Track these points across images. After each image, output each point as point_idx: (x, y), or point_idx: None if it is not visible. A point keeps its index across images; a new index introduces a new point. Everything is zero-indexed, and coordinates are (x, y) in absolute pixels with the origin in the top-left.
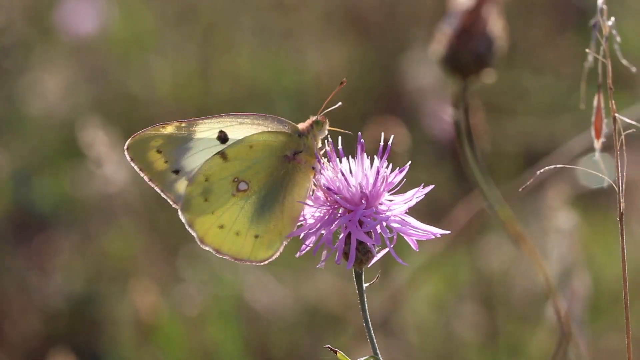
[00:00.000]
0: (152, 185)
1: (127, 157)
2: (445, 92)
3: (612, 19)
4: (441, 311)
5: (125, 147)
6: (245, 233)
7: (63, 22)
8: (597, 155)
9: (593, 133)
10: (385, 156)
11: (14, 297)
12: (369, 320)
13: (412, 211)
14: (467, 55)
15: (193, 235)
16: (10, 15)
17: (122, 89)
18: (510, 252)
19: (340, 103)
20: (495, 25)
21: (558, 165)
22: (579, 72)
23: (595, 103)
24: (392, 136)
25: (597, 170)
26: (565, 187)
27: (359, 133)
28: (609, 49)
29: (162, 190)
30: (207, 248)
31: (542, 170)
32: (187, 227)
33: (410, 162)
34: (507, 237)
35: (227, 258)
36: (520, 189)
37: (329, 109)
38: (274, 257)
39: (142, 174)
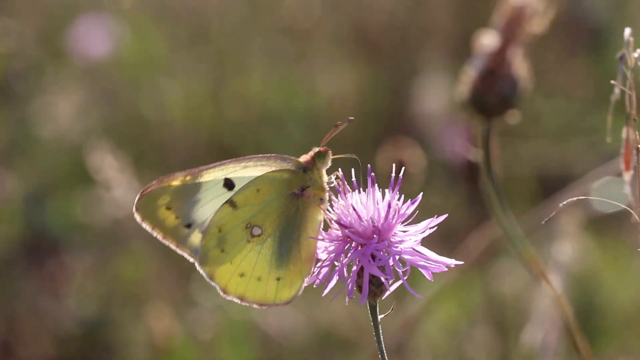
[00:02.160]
0: (166, 242)
1: (138, 219)
2: (457, 117)
3: (639, 50)
4: (454, 336)
5: (134, 209)
6: (267, 277)
7: (75, 45)
8: (626, 188)
9: (622, 166)
10: (397, 188)
11: (26, 321)
12: (384, 351)
13: (425, 237)
14: (492, 98)
15: (216, 288)
16: (22, 38)
17: (133, 111)
18: (523, 277)
19: (343, 124)
20: (520, 66)
21: (580, 197)
22: (591, 95)
23: (624, 135)
24: (403, 168)
25: (619, 198)
26: (578, 211)
27: (369, 166)
28: (634, 80)
29: (177, 247)
30: (230, 298)
31: (564, 203)
32: (208, 280)
33: (422, 193)
34: (529, 274)
35: (253, 305)
36: (543, 221)
37: (334, 134)
38: (297, 296)
39: (154, 234)
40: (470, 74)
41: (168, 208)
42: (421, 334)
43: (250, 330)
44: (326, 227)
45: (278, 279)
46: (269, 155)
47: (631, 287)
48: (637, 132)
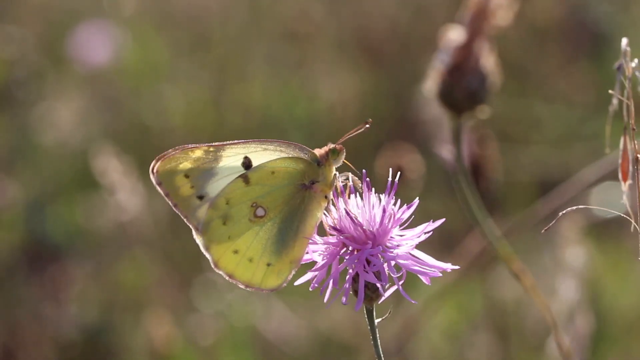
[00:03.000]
0: (178, 211)
1: (154, 181)
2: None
3: (636, 60)
4: (455, 340)
5: (152, 170)
6: (258, 260)
7: (76, 52)
8: (624, 198)
9: (620, 176)
10: (392, 192)
11: (27, 327)
12: (382, 355)
13: (424, 242)
14: (459, 92)
15: (208, 259)
16: (23, 45)
17: (135, 118)
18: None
19: (364, 125)
20: (488, 60)
21: (580, 206)
22: (592, 100)
23: (621, 145)
24: (401, 173)
25: (619, 204)
26: (579, 217)
27: (364, 171)
28: (631, 90)
29: (186, 217)
30: (220, 272)
31: (563, 212)
32: (203, 250)
33: (418, 197)
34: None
35: (239, 284)
36: (544, 229)
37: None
38: (282, 286)
39: (167, 200)
40: (437, 69)
41: (186, 176)
42: (421, 338)
43: (251, 336)
44: (322, 229)
45: (268, 265)
46: (288, 142)
47: (632, 293)
48: (635, 142)
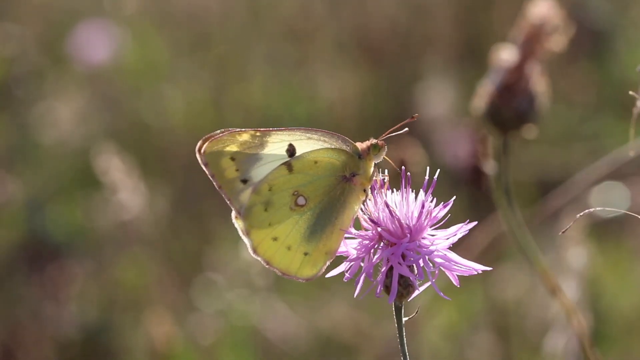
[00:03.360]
0: (222, 192)
1: (201, 161)
2: (459, 122)
3: None
4: (456, 340)
5: (200, 150)
6: (296, 249)
7: (76, 51)
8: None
9: None
10: (430, 190)
11: (27, 326)
12: (407, 354)
13: None
14: (508, 112)
15: (246, 244)
16: (23, 43)
17: (135, 117)
18: (524, 282)
19: (407, 129)
20: (538, 81)
21: (586, 210)
22: (593, 100)
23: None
24: (428, 167)
25: (619, 203)
26: (580, 217)
27: (403, 167)
28: None
29: (229, 200)
30: (258, 258)
31: (575, 220)
32: (241, 234)
33: (455, 197)
34: (538, 281)
35: (276, 271)
36: (561, 231)
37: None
38: (317, 276)
39: (213, 180)
40: (487, 88)
41: (232, 159)
42: (422, 338)
43: (252, 336)
44: (358, 225)
45: (305, 254)
46: (332, 132)
47: (633, 293)
48: None
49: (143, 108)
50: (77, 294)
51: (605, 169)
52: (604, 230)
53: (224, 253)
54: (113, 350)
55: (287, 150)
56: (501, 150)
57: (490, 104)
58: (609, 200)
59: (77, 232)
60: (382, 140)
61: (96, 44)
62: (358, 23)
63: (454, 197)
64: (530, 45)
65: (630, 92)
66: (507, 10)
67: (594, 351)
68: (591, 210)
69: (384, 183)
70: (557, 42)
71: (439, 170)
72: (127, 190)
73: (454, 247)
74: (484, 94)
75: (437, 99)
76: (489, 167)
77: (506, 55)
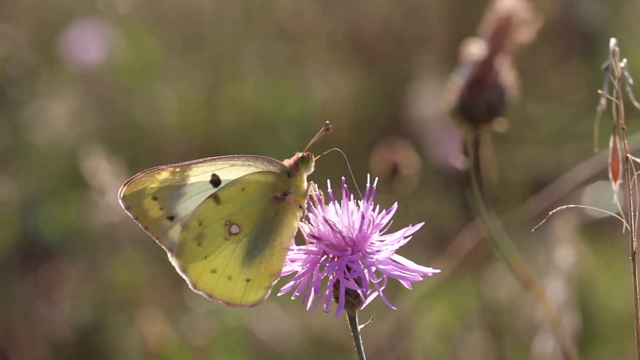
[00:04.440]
0: (149, 233)
1: (122, 206)
2: (450, 123)
3: (625, 60)
4: (448, 340)
5: (120, 196)
6: (237, 277)
7: (69, 51)
8: (615, 198)
9: (610, 175)
10: (371, 198)
11: (20, 326)
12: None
13: (416, 241)
14: (479, 106)
15: (186, 280)
16: (16, 43)
17: (128, 117)
18: (517, 282)
19: (325, 129)
20: (508, 75)
21: (572, 205)
22: (585, 99)
23: (610, 144)
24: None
25: (608, 206)
26: (572, 216)
27: (343, 178)
28: (621, 89)
29: (157, 238)
30: (199, 293)
31: (554, 211)
32: (180, 272)
33: (397, 203)
34: (518, 281)
35: (220, 302)
36: (534, 227)
37: (316, 139)
38: (263, 300)
39: (138, 222)
40: (457, 83)
41: (154, 198)
42: (414, 337)
43: (244, 336)
44: (301, 238)
45: (247, 280)
46: (256, 156)
47: (625, 292)
48: (625, 142)
49: (136, 108)
50: (70, 294)
51: (597, 167)
52: (596, 231)
53: None
54: (106, 350)
55: (212, 181)
56: (473, 144)
57: (461, 98)
58: (600, 199)
59: (70, 232)
60: (307, 151)
61: (89, 43)
62: (351, 23)
63: (396, 203)
64: (498, 39)
65: (599, 91)
66: None
67: (573, 350)
68: (572, 206)
69: (320, 199)
70: (525, 35)
71: (377, 178)
72: (115, 192)
73: (445, 248)
74: (454, 88)
75: (429, 98)
76: (462, 163)
77: (475, 49)
